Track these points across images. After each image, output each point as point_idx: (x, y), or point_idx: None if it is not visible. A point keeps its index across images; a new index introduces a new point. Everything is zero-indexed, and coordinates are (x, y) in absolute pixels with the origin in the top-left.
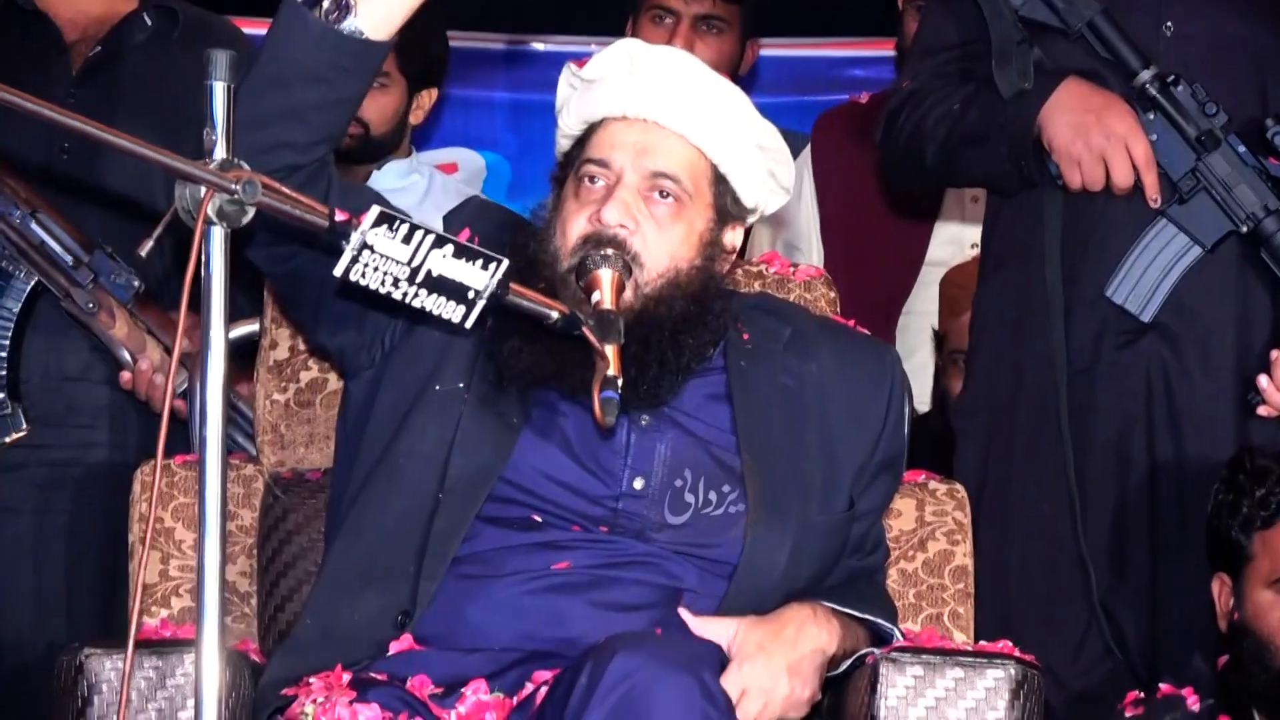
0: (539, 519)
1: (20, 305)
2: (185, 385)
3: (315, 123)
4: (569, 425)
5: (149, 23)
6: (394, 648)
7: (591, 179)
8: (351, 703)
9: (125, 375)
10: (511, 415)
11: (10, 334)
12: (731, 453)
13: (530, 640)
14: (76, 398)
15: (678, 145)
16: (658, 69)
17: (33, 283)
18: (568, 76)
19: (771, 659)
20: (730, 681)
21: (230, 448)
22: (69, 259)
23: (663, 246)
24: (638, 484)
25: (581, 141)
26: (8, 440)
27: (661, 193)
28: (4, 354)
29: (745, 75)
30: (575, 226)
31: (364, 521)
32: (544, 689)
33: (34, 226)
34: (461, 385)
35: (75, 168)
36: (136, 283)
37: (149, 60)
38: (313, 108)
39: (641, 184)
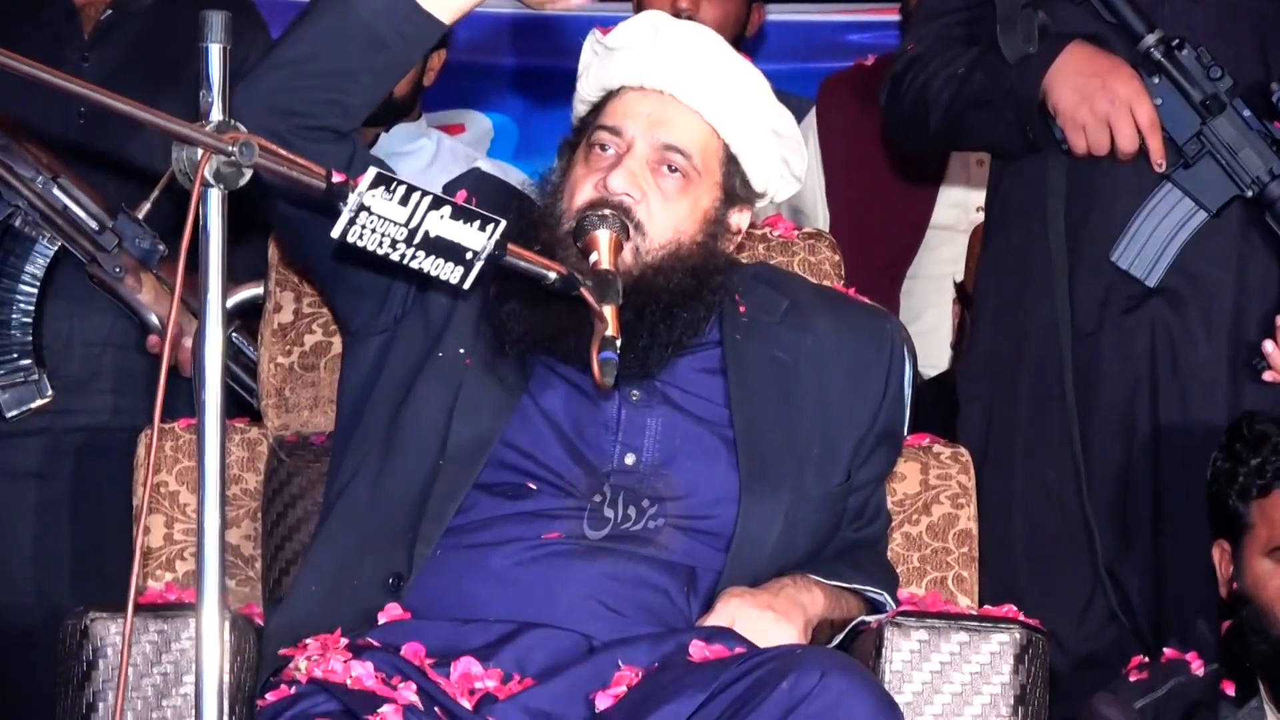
0: (533, 486)
1: (44, 271)
2: None
3: (366, 87)
4: (563, 398)
5: None
6: (383, 617)
7: (603, 146)
8: (346, 661)
9: (154, 339)
10: (511, 382)
11: (35, 300)
12: (725, 426)
13: (521, 612)
14: (99, 363)
15: (692, 121)
16: (680, 42)
17: (55, 248)
18: (591, 43)
19: (752, 599)
20: (716, 619)
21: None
22: (93, 224)
23: (667, 219)
24: (629, 460)
25: (597, 109)
26: (34, 406)
27: (670, 166)
28: (30, 320)
29: (751, 41)
30: (582, 192)
31: (365, 487)
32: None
33: (56, 192)
34: (463, 351)
35: (92, 133)
36: (161, 246)
37: (159, 19)
38: (368, 71)
39: (651, 155)
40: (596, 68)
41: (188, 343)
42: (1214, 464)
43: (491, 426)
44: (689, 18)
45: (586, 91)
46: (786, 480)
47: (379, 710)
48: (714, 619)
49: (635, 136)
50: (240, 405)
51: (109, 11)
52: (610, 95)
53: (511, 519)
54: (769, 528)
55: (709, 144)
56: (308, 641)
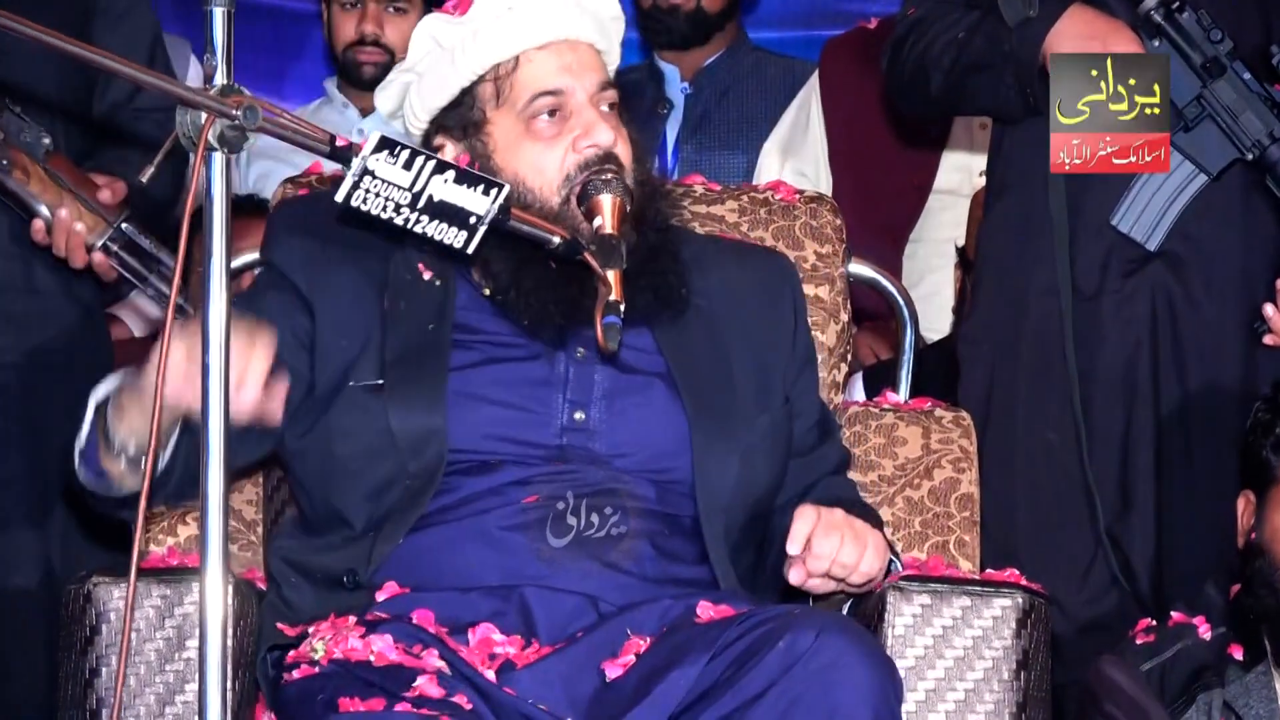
0: (496, 462)
1: None
2: (106, 237)
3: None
4: (498, 375)
5: None
6: (381, 594)
7: (550, 112)
8: (363, 636)
9: (38, 224)
10: (433, 388)
11: None
12: (663, 374)
13: (518, 575)
14: None
15: (592, 54)
16: None
17: None
18: (440, 30)
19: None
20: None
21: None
22: None
23: (630, 155)
24: (578, 416)
25: (471, 90)
26: None
27: (610, 105)
28: None
29: (751, 7)
30: (551, 161)
31: (317, 498)
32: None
33: None
34: (380, 381)
35: None
36: (46, 139)
37: None
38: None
39: (592, 100)
40: (465, 49)
41: (79, 227)
42: (1255, 413)
43: (438, 446)
44: None
45: (457, 77)
46: (732, 415)
47: (414, 684)
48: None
49: (575, 88)
50: None
51: None
52: (499, 68)
53: (485, 493)
54: (726, 465)
55: (606, 67)
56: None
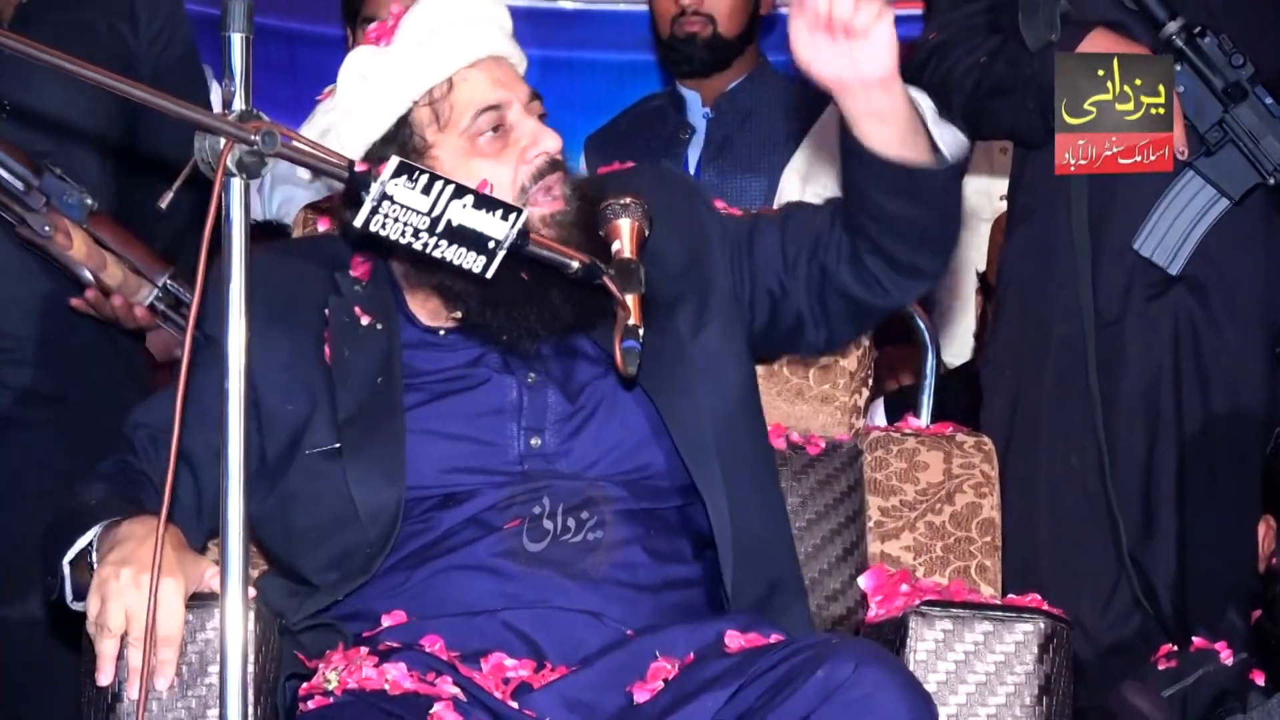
0: (463, 494)
1: None
2: (153, 297)
3: None
4: (449, 408)
5: None
6: (387, 620)
7: (495, 128)
8: (376, 665)
9: (90, 293)
10: (392, 455)
11: None
12: (601, 359)
13: (518, 599)
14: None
15: (513, 67)
16: (472, 6)
17: None
18: (366, 61)
19: None
20: None
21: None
22: (19, 184)
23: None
24: (534, 442)
25: (406, 119)
26: None
27: (541, 115)
28: None
29: (773, 34)
30: (503, 175)
31: (281, 561)
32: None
33: None
34: (337, 445)
35: (14, 132)
36: (89, 200)
37: (81, 2)
38: None
39: (528, 110)
40: (389, 77)
41: (117, 301)
42: (1277, 438)
43: (395, 498)
44: (694, 11)
45: (388, 107)
46: (685, 359)
47: (431, 711)
48: None
49: (512, 101)
50: None
51: None
52: (432, 91)
53: (466, 523)
54: (699, 409)
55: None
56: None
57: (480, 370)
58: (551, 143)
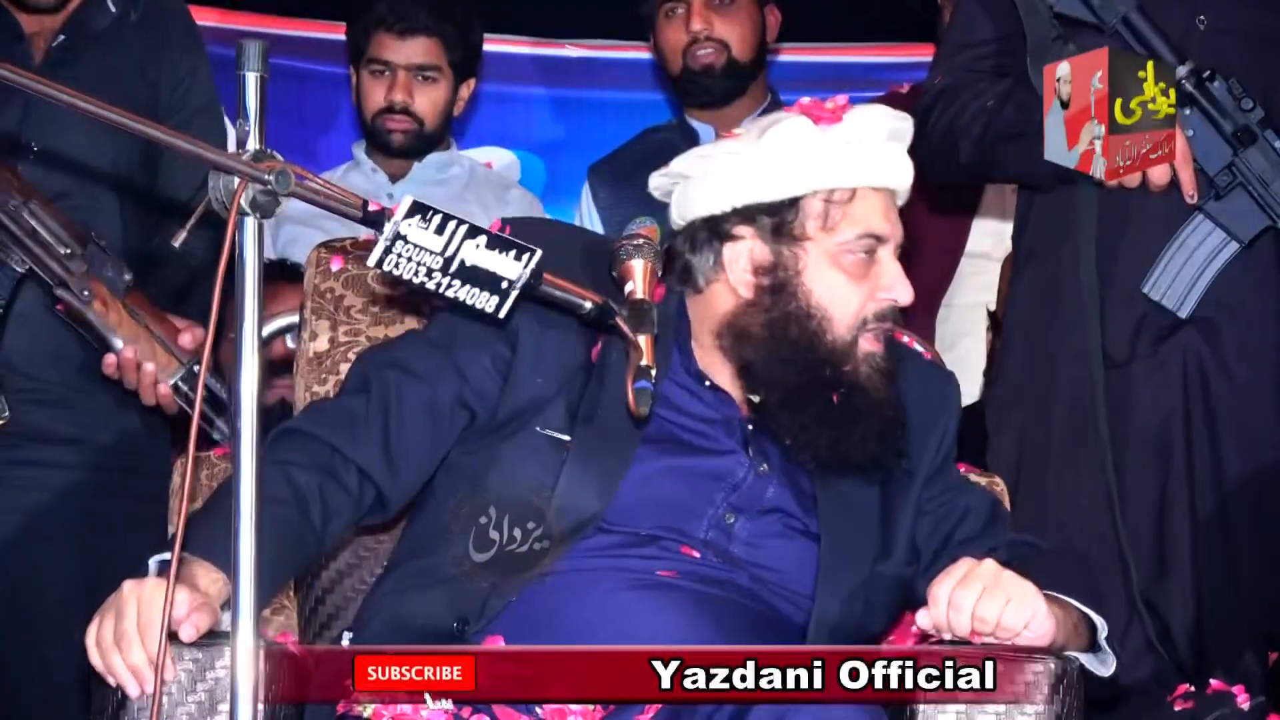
0: (646, 536)
1: (9, 294)
2: (180, 375)
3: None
4: (679, 463)
5: (113, 9)
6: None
7: (869, 252)
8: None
9: (110, 358)
10: (611, 475)
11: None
12: (807, 485)
13: (630, 637)
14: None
15: (897, 209)
16: (905, 135)
17: (22, 271)
18: (801, 132)
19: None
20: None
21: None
22: (63, 249)
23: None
24: (729, 519)
25: (799, 201)
26: None
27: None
28: None
29: (782, 71)
30: (853, 298)
31: (439, 538)
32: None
33: (27, 216)
34: (567, 438)
35: (39, 176)
36: (128, 276)
37: (112, 46)
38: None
39: (894, 252)
40: (829, 160)
41: (149, 367)
42: None
43: (594, 510)
44: (705, 38)
45: (803, 181)
46: (858, 561)
47: None
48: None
49: (890, 238)
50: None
51: (61, 37)
52: (835, 191)
53: (619, 555)
54: (850, 608)
55: None
56: None
57: (722, 438)
58: (905, 296)
